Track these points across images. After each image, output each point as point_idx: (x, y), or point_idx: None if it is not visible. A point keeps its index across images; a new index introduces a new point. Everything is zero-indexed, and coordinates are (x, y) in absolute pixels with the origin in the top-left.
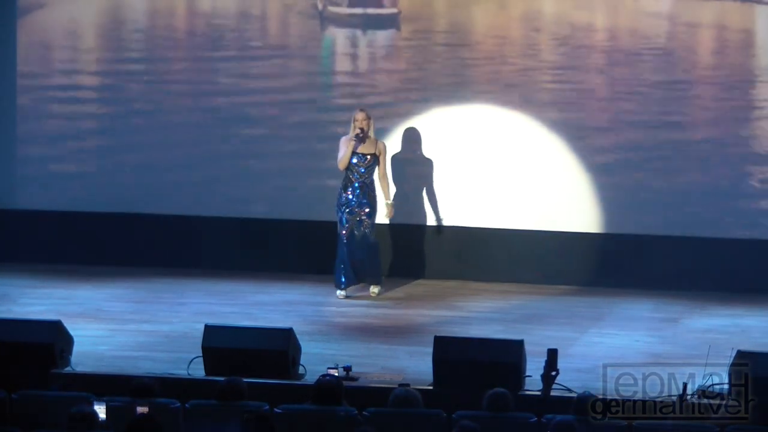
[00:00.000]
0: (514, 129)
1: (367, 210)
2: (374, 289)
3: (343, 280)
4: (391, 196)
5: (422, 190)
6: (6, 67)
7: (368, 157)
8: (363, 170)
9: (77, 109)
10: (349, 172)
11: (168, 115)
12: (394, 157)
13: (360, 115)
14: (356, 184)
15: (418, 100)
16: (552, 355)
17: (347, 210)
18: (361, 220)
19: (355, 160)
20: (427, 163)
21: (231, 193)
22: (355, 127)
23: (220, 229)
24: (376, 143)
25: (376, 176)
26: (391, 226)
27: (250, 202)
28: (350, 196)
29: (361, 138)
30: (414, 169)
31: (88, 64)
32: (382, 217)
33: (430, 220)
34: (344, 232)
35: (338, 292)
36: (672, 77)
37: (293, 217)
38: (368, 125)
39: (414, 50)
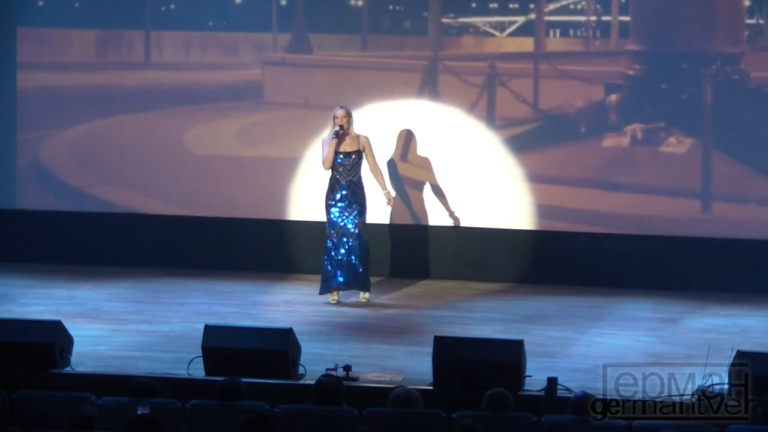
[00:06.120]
0: (514, 128)
1: (357, 209)
2: (365, 295)
3: (323, 286)
4: (387, 186)
5: (422, 190)
6: (6, 66)
7: (352, 155)
8: (349, 169)
9: (76, 109)
10: (335, 172)
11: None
12: (392, 159)
13: (340, 112)
14: (343, 183)
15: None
16: (552, 384)
17: (336, 212)
18: (353, 220)
19: (339, 160)
20: (426, 164)
21: (231, 193)
22: (334, 125)
23: (220, 229)
24: (359, 139)
25: (363, 173)
26: (391, 226)
27: (250, 203)
28: (338, 197)
29: (340, 135)
30: (413, 170)
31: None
32: (381, 213)
33: (430, 220)
34: (333, 233)
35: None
36: None
37: (293, 217)
38: (348, 122)
39: None
